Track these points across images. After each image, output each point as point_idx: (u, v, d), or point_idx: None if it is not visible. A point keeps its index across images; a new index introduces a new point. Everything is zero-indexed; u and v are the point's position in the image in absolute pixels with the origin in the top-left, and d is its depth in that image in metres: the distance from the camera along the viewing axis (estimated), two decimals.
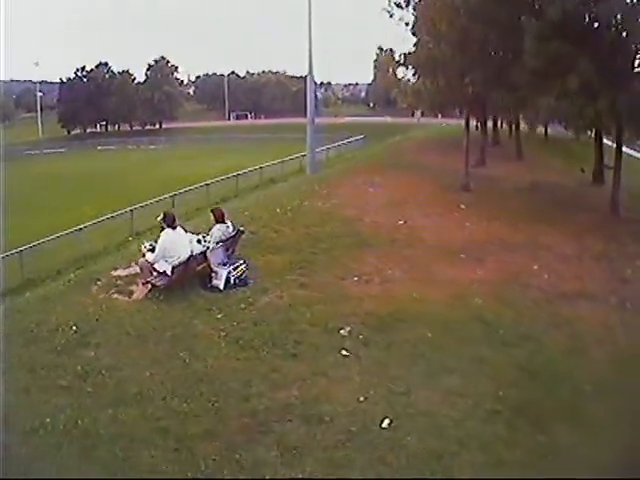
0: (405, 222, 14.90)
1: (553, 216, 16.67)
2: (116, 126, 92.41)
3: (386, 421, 6.37)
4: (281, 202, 15.94)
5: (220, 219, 10.20)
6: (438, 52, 19.68)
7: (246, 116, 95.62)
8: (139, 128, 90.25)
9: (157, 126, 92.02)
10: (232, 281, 9.61)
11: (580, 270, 12.45)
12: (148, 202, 21.80)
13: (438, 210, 16.54)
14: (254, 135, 68.64)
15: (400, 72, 24.08)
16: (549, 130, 45.99)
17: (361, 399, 6.78)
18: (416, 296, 9.97)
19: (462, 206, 17.23)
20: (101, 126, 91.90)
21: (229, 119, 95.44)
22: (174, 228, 9.33)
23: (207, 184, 24.33)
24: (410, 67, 21.79)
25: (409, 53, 21.13)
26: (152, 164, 47.61)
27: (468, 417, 6.73)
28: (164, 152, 61.68)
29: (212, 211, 10.67)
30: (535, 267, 12.25)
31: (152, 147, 67.62)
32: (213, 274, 9.56)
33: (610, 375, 8.09)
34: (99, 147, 66.68)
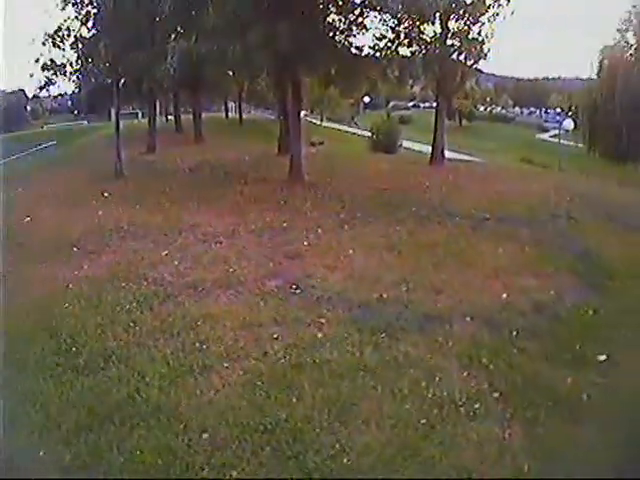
0: (31, 219, 15.67)
1: (213, 192, 18.30)
2: None
3: None
4: None
5: None
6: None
7: None
8: None
9: None
10: None
11: (231, 251, 12.30)
12: None
13: (73, 202, 17.88)
14: None
15: None
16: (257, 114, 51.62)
17: None
18: None
19: (105, 194, 18.73)
20: None
21: None
22: None
23: None
24: None
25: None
26: None
27: None
28: None
29: None
30: (164, 253, 12.19)
31: None
32: None
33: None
34: None
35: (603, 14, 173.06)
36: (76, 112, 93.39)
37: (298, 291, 9.79)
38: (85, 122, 78.26)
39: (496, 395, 6.65)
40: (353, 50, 19.06)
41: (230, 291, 9.85)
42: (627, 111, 34.11)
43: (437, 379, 6.92)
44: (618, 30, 37.78)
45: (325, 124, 64.58)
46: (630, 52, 37.11)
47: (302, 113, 71.17)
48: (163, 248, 12.39)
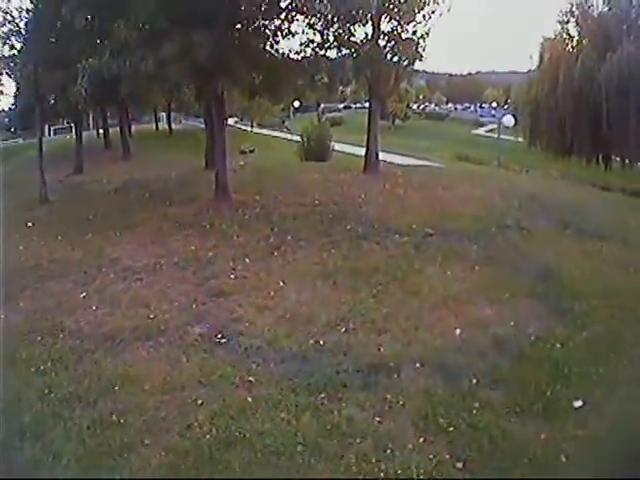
0: None
1: (137, 217, 17.46)
2: None
3: None
4: None
5: None
6: None
7: None
8: None
9: None
10: None
11: (152, 290, 11.53)
12: None
13: None
14: None
15: None
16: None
17: None
18: None
19: (29, 224, 18.40)
20: None
21: None
22: None
23: None
24: None
25: None
26: None
27: None
28: None
29: None
30: (82, 296, 11.54)
31: None
32: None
33: None
34: None
35: (537, 7, 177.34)
36: (13, 129, 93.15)
37: (224, 340, 8.89)
38: (20, 139, 77.45)
39: (459, 465, 5.86)
40: (278, 58, 18.04)
41: (150, 342, 9.10)
42: (570, 104, 34.06)
43: (389, 451, 6.09)
44: (559, 22, 37.74)
45: (257, 130, 63.72)
46: (572, 44, 37.13)
47: (232, 120, 70.39)
48: (81, 289, 11.71)
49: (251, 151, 45.72)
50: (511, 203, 16.24)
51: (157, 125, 54.62)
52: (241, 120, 71.48)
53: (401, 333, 8.62)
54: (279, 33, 17.71)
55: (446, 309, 9.36)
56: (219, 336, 8.97)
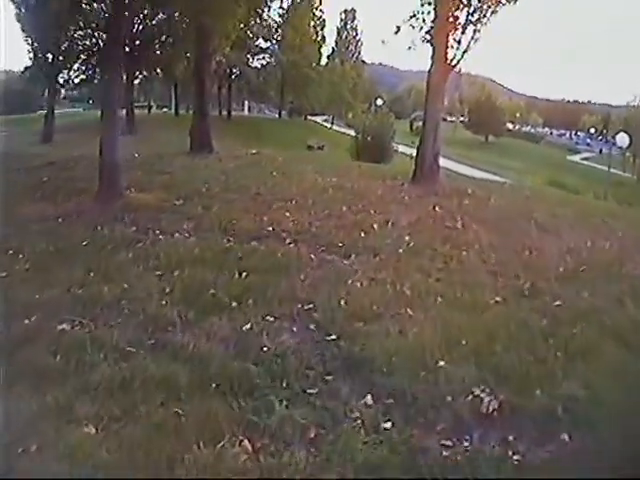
0: None
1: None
2: None
3: None
4: None
5: None
6: None
7: None
8: None
9: None
10: None
11: None
12: None
13: None
14: None
15: None
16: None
17: None
18: None
19: None
20: None
21: None
22: None
23: None
24: None
25: None
26: None
27: None
28: None
29: None
30: None
31: None
32: None
33: None
34: None
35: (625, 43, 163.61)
36: (91, 101, 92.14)
37: None
38: (81, 109, 78.48)
39: None
40: None
41: None
42: None
43: None
44: None
45: (343, 130, 57.79)
46: None
47: (321, 118, 66.81)
48: None
49: (319, 147, 39.97)
50: None
51: (220, 111, 49.36)
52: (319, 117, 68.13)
53: None
54: None
55: None
56: None
